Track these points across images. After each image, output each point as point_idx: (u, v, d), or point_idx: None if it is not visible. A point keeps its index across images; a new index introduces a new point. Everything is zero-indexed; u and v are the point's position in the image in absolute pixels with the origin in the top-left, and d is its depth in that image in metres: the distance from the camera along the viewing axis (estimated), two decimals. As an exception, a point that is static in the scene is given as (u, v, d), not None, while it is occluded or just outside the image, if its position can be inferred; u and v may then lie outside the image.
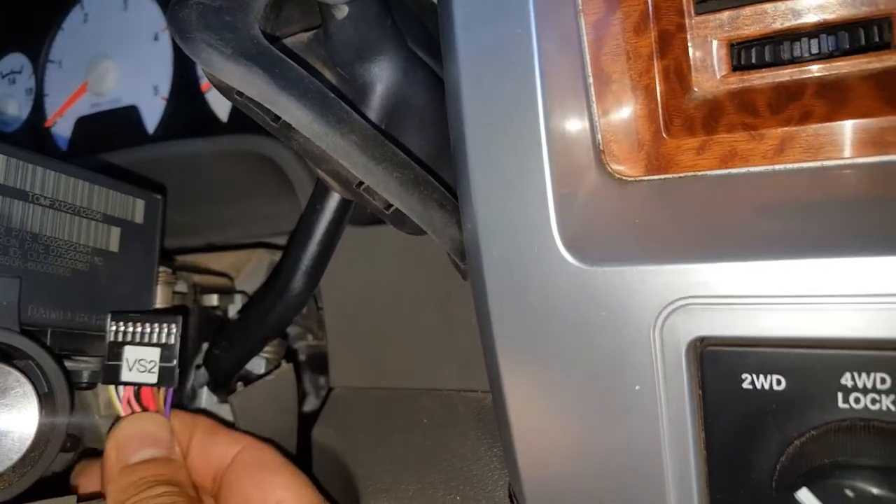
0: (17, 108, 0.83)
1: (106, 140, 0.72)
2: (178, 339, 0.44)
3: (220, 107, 0.69)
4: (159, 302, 0.50)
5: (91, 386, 0.44)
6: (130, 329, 0.43)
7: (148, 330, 0.43)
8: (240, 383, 0.50)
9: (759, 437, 0.31)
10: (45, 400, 0.39)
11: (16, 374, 0.37)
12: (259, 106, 0.36)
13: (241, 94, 0.36)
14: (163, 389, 0.44)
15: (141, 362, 0.43)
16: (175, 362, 0.43)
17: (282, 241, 0.67)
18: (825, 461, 0.28)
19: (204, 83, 0.71)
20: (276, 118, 0.37)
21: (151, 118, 0.72)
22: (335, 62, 0.41)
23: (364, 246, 0.53)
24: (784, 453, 0.30)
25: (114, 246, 0.45)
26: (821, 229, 0.30)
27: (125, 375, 0.42)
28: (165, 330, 0.43)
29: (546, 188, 0.34)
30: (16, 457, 0.37)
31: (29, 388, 0.38)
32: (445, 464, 0.45)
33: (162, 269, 0.50)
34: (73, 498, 0.37)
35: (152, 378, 0.43)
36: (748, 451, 0.31)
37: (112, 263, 0.45)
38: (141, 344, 0.43)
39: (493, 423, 0.47)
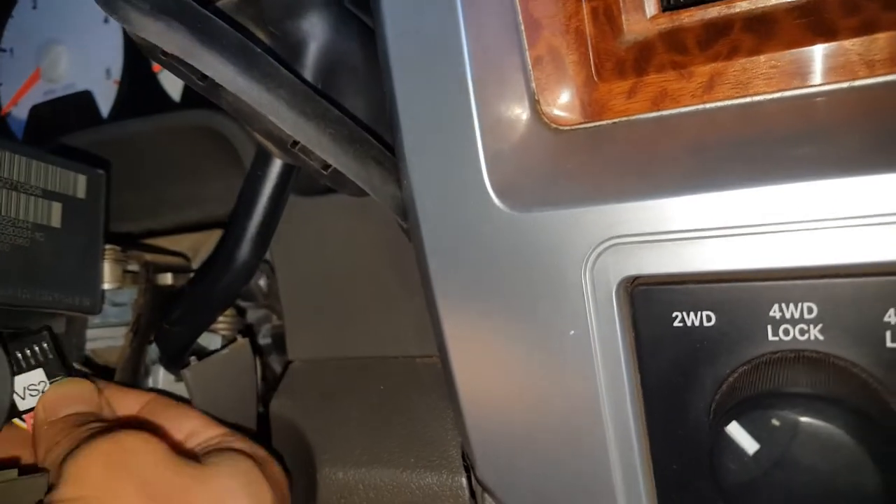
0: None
1: (61, 126, 0.71)
2: (54, 350, 0.44)
3: (173, 87, 0.68)
4: (108, 280, 0.49)
5: (34, 367, 0.43)
6: (9, 359, 0.42)
7: (24, 353, 0.43)
8: (193, 358, 0.49)
9: (694, 375, 0.30)
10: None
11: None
12: (184, 64, 0.35)
13: (164, 52, 0.36)
14: None
15: (31, 387, 0.43)
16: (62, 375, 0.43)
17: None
18: (752, 393, 0.27)
19: (156, 64, 0.70)
20: (203, 76, 0.36)
21: (105, 102, 0.71)
22: (266, 20, 0.40)
23: (313, 217, 0.52)
24: (718, 390, 0.30)
25: (55, 221, 0.44)
26: (745, 162, 0.29)
27: (23, 405, 0.42)
28: (38, 347, 0.43)
29: (475, 137, 0.34)
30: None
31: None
32: (401, 427, 0.45)
33: (110, 246, 0.49)
34: (14, 472, 0.36)
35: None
36: (684, 389, 0.30)
37: (53, 239, 0.44)
38: (26, 370, 0.43)
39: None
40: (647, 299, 0.30)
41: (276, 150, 0.41)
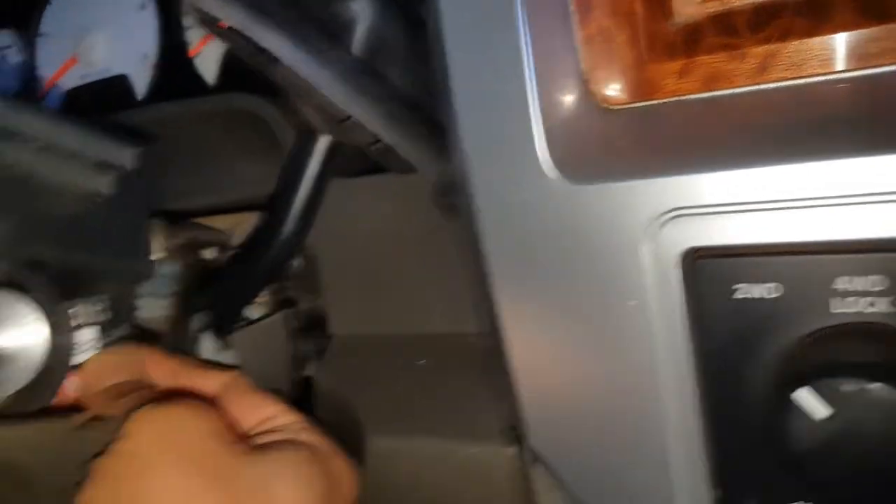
0: (9, 84, 0.79)
1: (98, 110, 0.68)
2: (110, 312, 0.42)
3: (208, 71, 0.66)
4: (157, 250, 0.47)
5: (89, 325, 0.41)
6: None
7: (84, 314, 0.41)
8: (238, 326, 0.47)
9: (755, 348, 0.28)
10: (51, 332, 0.37)
11: (22, 301, 0.35)
12: (242, 38, 0.33)
13: (223, 27, 0.33)
14: None
15: (81, 345, 0.41)
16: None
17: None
18: (821, 361, 0.26)
19: (191, 48, 0.67)
20: (261, 50, 0.34)
21: (141, 86, 0.69)
22: (317, 1, 0.38)
23: (353, 198, 0.50)
24: (780, 362, 0.28)
25: (105, 190, 0.42)
26: (809, 136, 0.27)
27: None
28: (95, 307, 0.42)
29: (530, 112, 0.32)
30: (23, 382, 0.35)
31: (34, 317, 0.36)
32: (444, 399, 0.43)
33: (157, 220, 0.48)
34: (77, 417, 0.35)
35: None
36: (744, 362, 0.29)
37: (105, 207, 0.42)
38: (82, 326, 0.41)
39: (485, 364, 0.45)
40: (708, 271, 0.28)
41: (324, 125, 0.39)
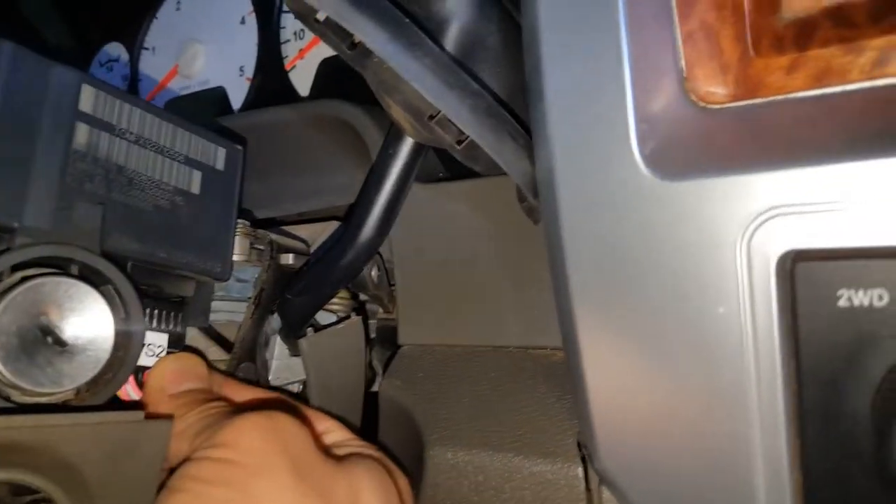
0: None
1: (195, 120, 0.73)
2: (182, 322, 0.44)
3: (302, 84, 0.70)
4: (238, 253, 0.50)
5: (160, 330, 0.44)
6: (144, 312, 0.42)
7: (157, 314, 0.43)
8: (310, 329, 0.48)
9: (858, 361, 0.27)
10: (123, 324, 0.39)
11: (94, 293, 0.37)
12: (335, 30, 0.35)
13: (318, 19, 0.36)
14: None
15: (150, 346, 0.43)
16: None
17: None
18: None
19: (287, 62, 0.71)
20: (352, 45, 0.36)
21: (237, 97, 0.74)
22: (411, -3, 0.40)
23: (433, 205, 0.52)
24: (886, 378, 0.27)
25: (195, 188, 0.45)
26: (929, 131, 0.26)
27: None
28: (170, 313, 0.44)
29: (627, 107, 0.32)
30: (90, 374, 0.37)
31: (106, 309, 0.37)
32: (511, 414, 0.43)
33: (241, 221, 0.50)
34: (141, 413, 0.36)
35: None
36: (845, 376, 0.28)
37: (192, 205, 0.44)
38: (152, 329, 0.43)
39: (561, 379, 0.44)
40: (809, 275, 0.27)
41: (411, 124, 0.41)
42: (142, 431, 0.36)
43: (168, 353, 0.44)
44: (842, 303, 0.27)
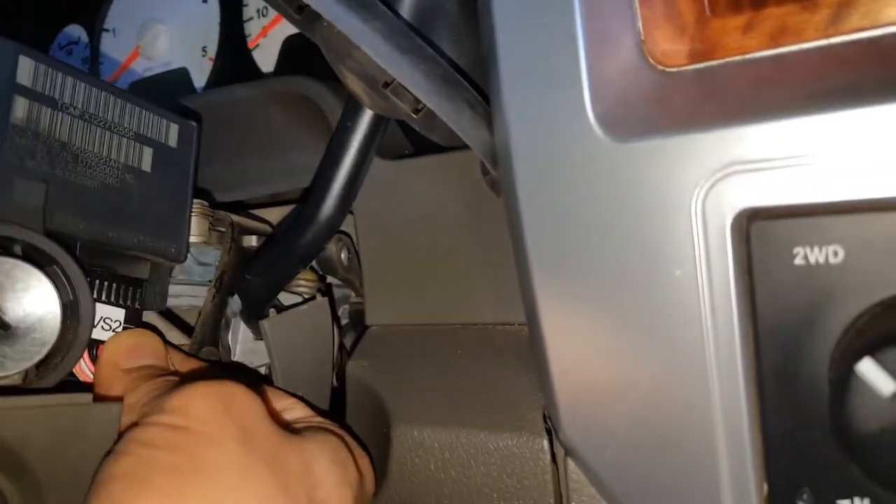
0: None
1: (157, 101, 0.72)
2: (141, 299, 0.44)
3: (266, 62, 0.69)
4: (195, 233, 0.49)
5: (116, 305, 0.43)
6: (98, 285, 0.42)
7: (114, 288, 0.43)
8: (273, 311, 0.48)
9: (816, 319, 0.27)
10: (70, 307, 0.38)
11: (38, 273, 0.36)
12: (282, -6, 0.35)
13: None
14: None
15: (106, 320, 0.42)
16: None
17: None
18: (888, 331, 0.24)
19: (250, 40, 0.70)
20: (300, 8, 0.35)
21: (200, 78, 0.72)
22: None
23: (397, 181, 0.51)
24: (843, 335, 0.26)
25: (146, 165, 0.44)
26: (884, 84, 0.26)
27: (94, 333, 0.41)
28: (127, 289, 0.43)
29: (580, 70, 0.32)
30: (36, 358, 0.36)
31: (51, 290, 0.36)
32: (478, 390, 0.42)
33: (198, 201, 0.49)
34: (89, 396, 0.35)
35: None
36: (803, 335, 0.27)
37: (144, 183, 0.44)
38: (108, 303, 0.42)
39: (529, 354, 0.44)
40: (765, 234, 0.27)
41: (367, 94, 0.40)
42: (90, 414, 0.35)
43: (124, 328, 0.43)
44: (798, 261, 0.27)
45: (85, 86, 0.41)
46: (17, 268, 0.36)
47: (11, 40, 0.37)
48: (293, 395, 0.44)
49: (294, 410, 0.42)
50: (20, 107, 0.37)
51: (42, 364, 0.37)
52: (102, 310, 0.41)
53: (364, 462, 0.41)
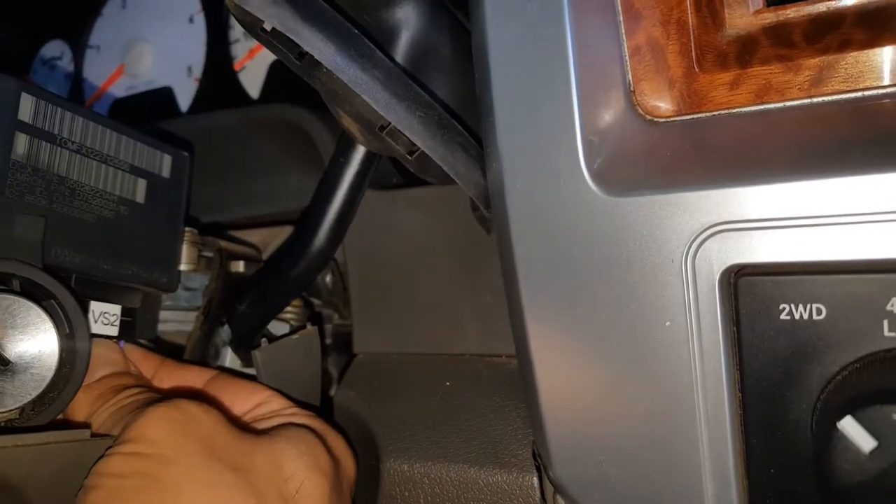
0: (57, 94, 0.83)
1: (141, 120, 0.72)
2: (132, 333, 0.45)
3: (252, 85, 0.69)
4: (185, 261, 0.49)
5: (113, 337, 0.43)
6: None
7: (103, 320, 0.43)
8: (264, 340, 0.48)
9: (799, 373, 0.28)
10: (67, 340, 0.38)
11: (37, 310, 0.36)
12: (283, 41, 0.35)
13: (264, 29, 0.35)
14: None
15: (105, 315, 0.43)
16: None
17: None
18: (868, 389, 0.25)
19: (236, 62, 0.70)
20: (300, 55, 0.36)
21: (185, 98, 0.72)
22: (362, 6, 0.40)
23: (388, 211, 0.52)
24: (825, 389, 0.28)
25: (140, 197, 0.44)
26: (863, 150, 0.27)
27: (92, 327, 0.42)
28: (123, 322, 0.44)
29: (574, 121, 0.33)
30: (34, 393, 0.36)
31: (50, 326, 0.37)
32: (467, 424, 0.43)
33: (189, 229, 0.49)
34: (87, 431, 0.36)
35: (114, 331, 0.43)
36: (787, 387, 0.29)
37: (137, 214, 0.44)
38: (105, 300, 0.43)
39: (516, 386, 0.45)
40: (752, 290, 0.28)
41: (362, 134, 0.41)
42: (88, 450, 0.36)
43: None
44: (783, 316, 0.28)
45: (83, 120, 0.41)
46: (16, 304, 0.36)
47: (13, 77, 0.37)
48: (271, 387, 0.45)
49: (271, 403, 0.44)
50: (21, 143, 0.37)
51: (38, 401, 0.37)
52: (100, 305, 0.42)
53: (339, 444, 0.42)
